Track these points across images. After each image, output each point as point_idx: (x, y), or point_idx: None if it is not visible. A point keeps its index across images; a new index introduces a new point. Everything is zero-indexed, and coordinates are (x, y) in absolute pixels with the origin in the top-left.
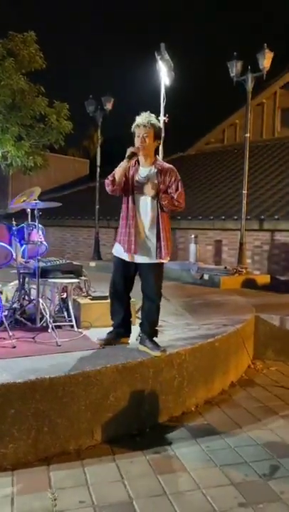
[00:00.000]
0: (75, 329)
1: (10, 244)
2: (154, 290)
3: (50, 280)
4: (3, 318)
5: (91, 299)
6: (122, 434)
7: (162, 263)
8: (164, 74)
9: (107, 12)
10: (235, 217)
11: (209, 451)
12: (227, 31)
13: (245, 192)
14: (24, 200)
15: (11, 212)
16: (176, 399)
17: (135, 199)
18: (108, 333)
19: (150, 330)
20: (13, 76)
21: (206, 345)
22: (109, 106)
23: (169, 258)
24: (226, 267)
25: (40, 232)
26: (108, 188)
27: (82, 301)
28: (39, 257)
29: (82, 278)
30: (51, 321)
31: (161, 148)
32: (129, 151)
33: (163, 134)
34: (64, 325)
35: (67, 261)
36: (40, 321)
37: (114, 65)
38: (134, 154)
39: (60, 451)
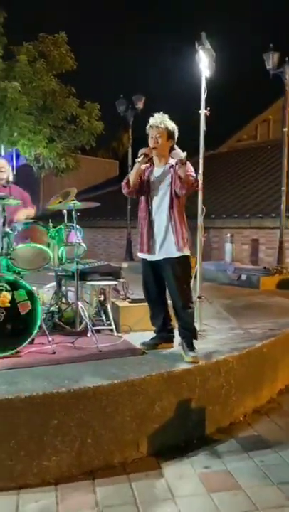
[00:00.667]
0: (115, 333)
1: (47, 246)
2: (176, 287)
3: (88, 283)
4: (42, 322)
5: (130, 302)
6: (169, 446)
7: (183, 259)
8: (205, 65)
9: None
10: (273, 214)
11: (264, 467)
12: (262, 21)
13: (284, 188)
14: (60, 202)
15: (45, 213)
16: (224, 408)
17: (150, 199)
18: (152, 338)
19: (184, 332)
20: (44, 77)
21: (254, 351)
22: (140, 105)
23: (188, 251)
24: (265, 267)
25: (78, 234)
26: (124, 191)
27: (121, 304)
28: (77, 259)
29: (121, 280)
30: (91, 324)
31: (202, 144)
32: (141, 152)
33: (204, 128)
34: (103, 329)
35: (105, 262)
36: (79, 325)
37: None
38: (145, 155)
39: (104, 464)
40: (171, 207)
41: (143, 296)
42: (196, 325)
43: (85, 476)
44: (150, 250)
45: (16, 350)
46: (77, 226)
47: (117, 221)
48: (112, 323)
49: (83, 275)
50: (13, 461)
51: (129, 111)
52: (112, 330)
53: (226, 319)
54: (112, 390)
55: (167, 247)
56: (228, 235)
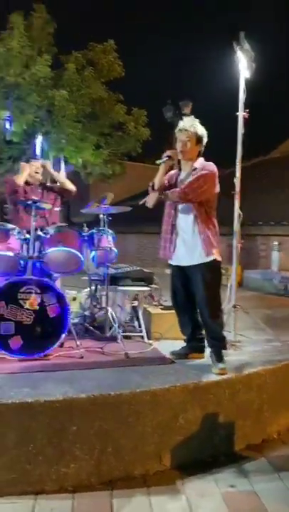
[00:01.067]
0: (146, 340)
1: (80, 251)
2: (204, 296)
3: (119, 288)
4: (71, 327)
5: (162, 309)
6: (193, 461)
7: (211, 265)
8: (244, 66)
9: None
10: None
11: None
12: None
13: None
14: (97, 206)
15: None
16: (255, 424)
17: (177, 204)
18: (182, 348)
19: (212, 342)
20: (92, 85)
21: None
22: (187, 111)
23: (217, 256)
24: None
25: (110, 238)
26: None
27: (153, 310)
28: (108, 264)
29: (153, 286)
30: (120, 331)
31: (239, 147)
32: (165, 154)
33: (243, 131)
34: (134, 335)
35: (138, 268)
36: (110, 330)
37: (191, 66)
38: (169, 158)
39: (124, 475)
40: (196, 211)
41: None
42: (231, 335)
43: (103, 486)
44: (174, 255)
45: (44, 354)
46: (109, 231)
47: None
48: (144, 329)
49: (115, 280)
50: (32, 465)
51: (176, 117)
52: (142, 337)
53: (262, 330)
54: (134, 399)
55: (193, 252)
56: (275, 242)
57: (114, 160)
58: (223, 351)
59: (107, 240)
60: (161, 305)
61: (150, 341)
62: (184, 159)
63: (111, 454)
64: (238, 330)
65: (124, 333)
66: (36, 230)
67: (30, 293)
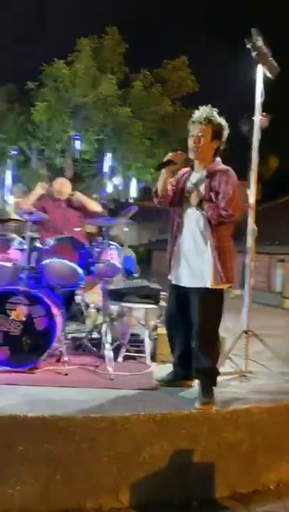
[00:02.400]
0: (147, 362)
1: (80, 263)
2: (200, 322)
3: (123, 304)
4: (62, 341)
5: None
6: (159, 502)
7: (214, 292)
8: (260, 65)
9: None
10: None
11: None
12: None
13: None
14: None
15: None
16: (244, 471)
17: (183, 212)
18: (168, 373)
19: (197, 375)
20: (160, 102)
21: None
22: (265, 124)
23: (227, 285)
24: None
25: (114, 252)
26: (154, 201)
27: (160, 331)
28: (106, 278)
29: (162, 304)
30: (110, 350)
31: (254, 154)
32: (167, 157)
33: (259, 137)
34: (138, 356)
35: (145, 284)
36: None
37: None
38: (170, 162)
39: (76, 507)
40: (207, 225)
41: None
42: (242, 364)
43: None
44: (175, 273)
45: (29, 367)
46: (115, 244)
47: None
48: (147, 350)
49: (121, 296)
50: None
51: (252, 131)
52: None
53: (280, 361)
54: (88, 424)
55: (196, 273)
56: None
57: None
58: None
59: (109, 253)
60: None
61: (151, 364)
62: (196, 158)
63: (60, 481)
64: (253, 359)
65: (129, 353)
66: (34, 241)
67: (18, 304)
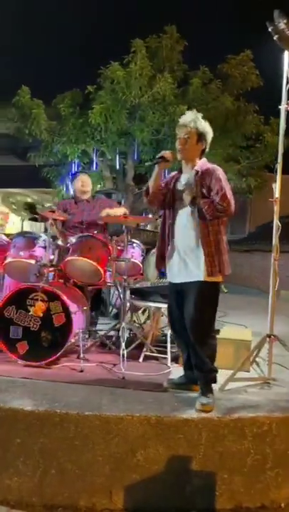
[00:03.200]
0: (168, 363)
1: (102, 262)
2: (193, 317)
3: (146, 303)
4: (80, 338)
5: None
6: (154, 508)
7: (208, 285)
8: (286, 49)
9: None
10: None
11: None
12: None
13: None
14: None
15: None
16: (251, 483)
17: (174, 212)
18: (180, 377)
19: (196, 372)
20: (220, 98)
21: None
22: None
23: (218, 277)
24: None
25: (136, 250)
26: (144, 200)
27: None
28: (125, 277)
29: None
30: (124, 349)
31: (281, 144)
32: (159, 154)
33: (284, 125)
34: (160, 357)
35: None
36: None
37: None
38: (163, 159)
39: (69, 503)
40: (201, 220)
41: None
42: (264, 370)
43: (43, 509)
44: (171, 272)
45: (46, 362)
46: (136, 242)
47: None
48: (168, 351)
49: (144, 294)
50: None
51: None
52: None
53: None
54: (82, 422)
55: (191, 269)
56: None
57: (251, 173)
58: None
59: (131, 251)
60: None
61: (172, 365)
62: (183, 159)
63: (55, 476)
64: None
65: (151, 354)
66: (55, 239)
67: (37, 300)
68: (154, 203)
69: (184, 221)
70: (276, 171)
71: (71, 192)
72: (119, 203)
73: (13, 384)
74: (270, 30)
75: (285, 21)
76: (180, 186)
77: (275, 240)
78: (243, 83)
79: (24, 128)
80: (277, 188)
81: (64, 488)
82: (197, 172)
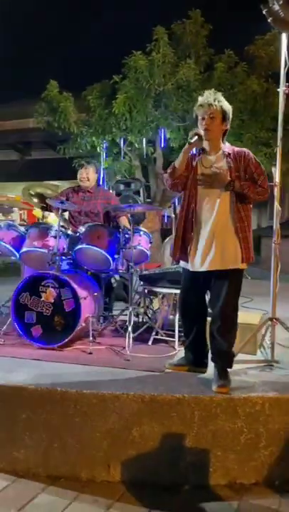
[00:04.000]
0: (176, 346)
1: (110, 249)
2: (224, 303)
3: (154, 289)
4: (88, 324)
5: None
6: (149, 482)
7: (238, 271)
8: (283, 31)
9: None
10: None
11: None
12: None
13: None
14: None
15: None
16: (244, 461)
17: (199, 195)
18: (180, 358)
19: (215, 358)
20: (246, 81)
21: None
22: None
23: (248, 263)
24: None
25: (143, 237)
26: (168, 183)
27: None
28: (132, 263)
29: None
30: (131, 332)
31: (280, 129)
32: (192, 132)
33: (283, 109)
34: (170, 340)
35: (176, 269)
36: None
37: None
38: (198, 136)
39: (71, 474)
40: (230, 206)
41: None
42: (267, 353)
43: (46, 479)
44: (195, 259)
45: (58, 345)
46: (144, 229)
47: None
48: (176, 334)
49: (153, 281)
50: None
51: None
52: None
53: None
54: (80, 400)
55: (228, 255)
56: None
57: (285, 157)
58: (232, 369)
59: (138, 239)
60: None
61: (179, 348)
62: (208, 138)
63: (57, 449)
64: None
65: (160, 337)
66: (66, 229)
67: (48, 286)
68: (177, 186)
69: (211, 205)
70: (276, 155)
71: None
72: (119, 195)
73: (24, 364)
74: (264, 12)
75: (280, 2)
76: (204, 169)
77: (275, 224)
78: (271, 64)
79: (54, 122)
80: (277, 172)
81: (66, 460)
82: (228, 154)
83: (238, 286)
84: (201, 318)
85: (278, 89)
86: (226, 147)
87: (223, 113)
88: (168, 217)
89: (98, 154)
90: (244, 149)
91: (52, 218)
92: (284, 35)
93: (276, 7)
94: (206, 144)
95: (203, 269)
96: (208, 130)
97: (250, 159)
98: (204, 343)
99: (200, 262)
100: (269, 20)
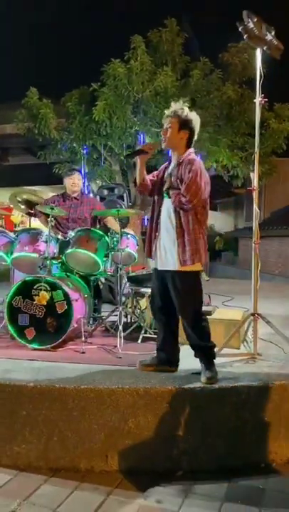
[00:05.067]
0: None
1: (99, 253)
2: (179, 303)
3: (142, 290)
4: (82, 323)
5: None
6: (145, 469)
7: (188, 272)
8: (257, 47)
9: None
10: None
11: None
12: None
13: None
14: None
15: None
16: (233, 446)
17: (161, 200)
18: (152, 357)
19: (194, 351)
20: (221, 87)
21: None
22: None
23: (197, 266)
24: None
25: (130, 240)
26: (135, 188)
27: None
28: (121, 266)
29: None
30: (122, 331)
31: (257, 137)
32: (137, 148)
33: (259, 120)
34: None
35: None
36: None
37: None
38: (141, 152)
39: (71, 465)
40: (178, 211)
41: (208, 309)
42: (250, 347)
43: (48, 471)
44: (153, 257)
45: (51, 345)
46: (131, 233)
47: None
48: None
49: (140, 281)
50: None
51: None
52: None
53: None
54: (78, 395)
55: (171, 257)
56: None
57: (259, 160)
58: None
59: (126, 242)
60: None
61: None
62: (166, 148)
63: (57, 442)
64: (262, 341)
65: (148, 335)
66: (56, 234)
67: (41, 290)
68: (143, 193)
69: (165, 210)
70: (252, 159)
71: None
72: (103, 199)
73: (20, 365)
74: (240, 30)
75: (254, 20)
76: (166, 176)
77: (255, 226)
78: (244, 71)
79: (34, 128)
80: (255, 178)
81: (66, 453)
82: (178, 163)
83: (188, 286)
84: (170, 317)
85: (254, 100)
86: (186, 155)
87: (181, 123)
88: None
89: (78, 160)
90: (191, 158)
91: (34, 224)
92: (258, 50)
93: (251, 25)
94: (171, 153)
95: (159, 268)
96: (164, 139)
97: (188, 168)
98: (174, 343)
99: (158, 261)
100: (245, 37)
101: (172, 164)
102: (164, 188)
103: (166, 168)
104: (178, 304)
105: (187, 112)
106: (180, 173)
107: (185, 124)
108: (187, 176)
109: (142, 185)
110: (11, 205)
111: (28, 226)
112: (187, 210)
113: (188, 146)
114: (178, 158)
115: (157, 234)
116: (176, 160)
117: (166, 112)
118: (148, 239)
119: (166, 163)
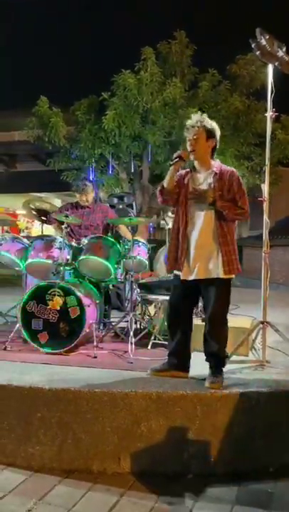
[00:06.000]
0: None
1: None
2: (213, 309)
3: (150, 296)
4: (93, 328)
5: (203, 320)
6: (157, 472)
7: (225, 281)
8: (269, 63)
9: None
10: None
11: None
12: None
13: None
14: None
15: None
16: (242, 451)
17: (190, 210)
18: (163, 363)
19: (208, 358)
20: (229, 98)
21: None
22: None
23: (234, 275)
24: None
25: (142, 248)
26: (158, 200)
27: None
28: (132, 273)
29: None
30: (132, 337)
31: (268, 150)
32: (176, 154)
33: (270, 132)
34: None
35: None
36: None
37: None
38: (180, 159)
39: (84, 467)
40: (216, 222)
41: None
42: (259, 354)
43: (61, 473)
44: (187, 268)
45: (64, 349)
46: (142, 240)
47: None
48: None
49: (150, 288)
50: (6, 440)
51: None
52: None
53: None
54: (92, 398)
55: (213, 265)
56: None
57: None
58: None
59: (137, 249)
60: (202, 316)
61: None
62: (196, 159)
63: (71, 444)
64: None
65: (158, 341)
66: (70, 241)
67: (55, 295)
68: (168, 202)
69: (201, 220)
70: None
71: None
72: (113, 207)
73: (35, 368)
74: (252, 46)
75: (266, 37)
76: (196, 186)
77: (265, 235)
78: (252, 82)
79: (44, 136)
80: (266, 189)
81: (79, 455)
82: (216, 173)
83: (224, 294)
84: (187, 324)
85: (266, 114)
86: (215, 165)
87: (207, 132)
88: (154, 228)
89: (86, 167)
90: (231, 169)
91: (36, 230)
92: (270, 66)
93: (263, 42)
94: (196, 163)
95: (192, 278)
96: (193, 151)
97: (235, 180)
98: (187, 349)
99: (189, 271)
100: (257, 53)
101: (202, 174)
102: (208, 200)
103: (188, 177)
104: (213, 311)
105: (210, 121)
106: (225, 184)
107: (211, 133)
108: (241, 189)
109: (170, 193)
110: (17, 212)
111: (31, 232)
112: (240, 220)
113: (212, 156)
114: (207, 167)
115: (185, 245)
116: (205, 170)
117: (189, 123)
118: (173, 250)
119: (185, 171)
